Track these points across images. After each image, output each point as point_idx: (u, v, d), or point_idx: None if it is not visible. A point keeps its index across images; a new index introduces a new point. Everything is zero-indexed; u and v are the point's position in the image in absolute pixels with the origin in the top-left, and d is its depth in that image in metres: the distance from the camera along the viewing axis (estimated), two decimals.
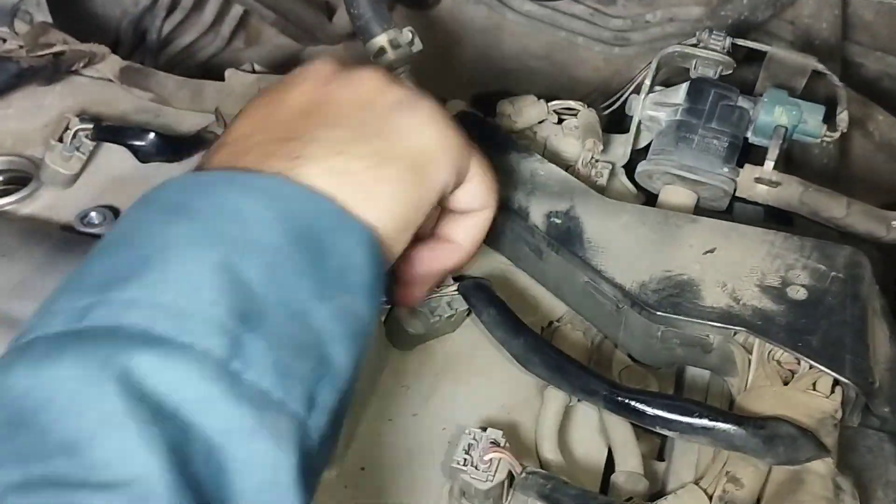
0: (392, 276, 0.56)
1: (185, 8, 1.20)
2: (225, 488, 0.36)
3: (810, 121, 0.68)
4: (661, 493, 0.54)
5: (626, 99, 0.74)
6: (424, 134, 0.50)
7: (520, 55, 1.25)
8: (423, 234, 0.56)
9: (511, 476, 0.52)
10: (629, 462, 0.56)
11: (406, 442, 0.60)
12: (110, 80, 0.84)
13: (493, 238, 0.66)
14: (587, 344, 0.62)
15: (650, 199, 0.74)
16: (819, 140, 0.68)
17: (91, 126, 0.74)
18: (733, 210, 0.72)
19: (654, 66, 0.72)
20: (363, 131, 0.48)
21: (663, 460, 0.59)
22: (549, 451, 0.57)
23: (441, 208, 0.56)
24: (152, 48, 1.20)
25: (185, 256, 0.40)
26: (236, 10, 1.20)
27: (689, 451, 0.56)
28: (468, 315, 0.64)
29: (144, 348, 0.37)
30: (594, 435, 0.60)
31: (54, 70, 0.80)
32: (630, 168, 0.73)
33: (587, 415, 0.60)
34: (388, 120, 0.50)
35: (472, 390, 0.63)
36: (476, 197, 0.55)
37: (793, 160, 0.93)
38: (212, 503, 0.35)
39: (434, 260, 0.56)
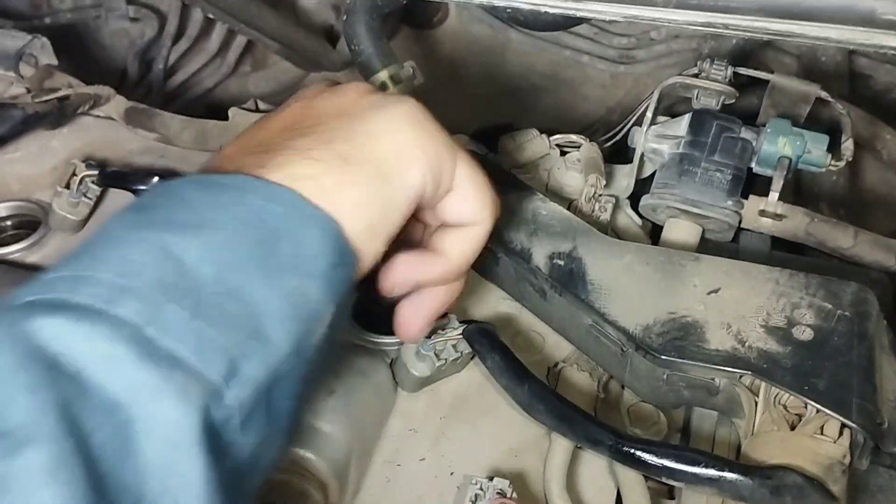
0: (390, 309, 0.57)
1: (191, 37, 1.21)
2: (127, 446, 0.37)
3: (814, 150, 0.67)
4: None
5: (629, 130, 0.74)
6: (395, 137, 0.49)
7: (525, 74, 1.25)
8: (413, 245, 0.56)
9: None
10: (636, 499, 0.56)
11: (415, 488, 0.60)
12: (115, 121, 0.85)
13: (497, 277, 0.67)
14: (594, 384, 0.62)
15: (655, 230, 0.73)
16: (824, 169, 0.68)
17: (97, 172, 0.75)
18: (739, 240, 0.72)
19: (655, 97, 0.71)
20: (332, 136, 0.49)
21: (673, 498, 0.59)
22: (558, 497, 0.57)
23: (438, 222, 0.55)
24: (159, 77, 1.21)
25: (126, 239, 0.43)
26: (241, 38, 1.20)
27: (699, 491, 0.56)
28: (473, 357, 0.64)
29: (54, 314, 0.38)
30: (603, 476, 0.60)
31: (60, 114, 0.80)
32: (634, 199, 0.73)
33: (596, 456, 0.60)
34: (361, 125, 0.50)
35: (479, 432, 0.63)
36: (464, 208, 0.53)
37: (802, 187, 0.93)
38: (112, 460, 0.36)
39: (416, 266, 0.54)
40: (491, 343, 0.59)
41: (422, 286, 0.56)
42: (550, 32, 1.15)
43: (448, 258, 0.54)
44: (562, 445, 0.59)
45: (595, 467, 0.60)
